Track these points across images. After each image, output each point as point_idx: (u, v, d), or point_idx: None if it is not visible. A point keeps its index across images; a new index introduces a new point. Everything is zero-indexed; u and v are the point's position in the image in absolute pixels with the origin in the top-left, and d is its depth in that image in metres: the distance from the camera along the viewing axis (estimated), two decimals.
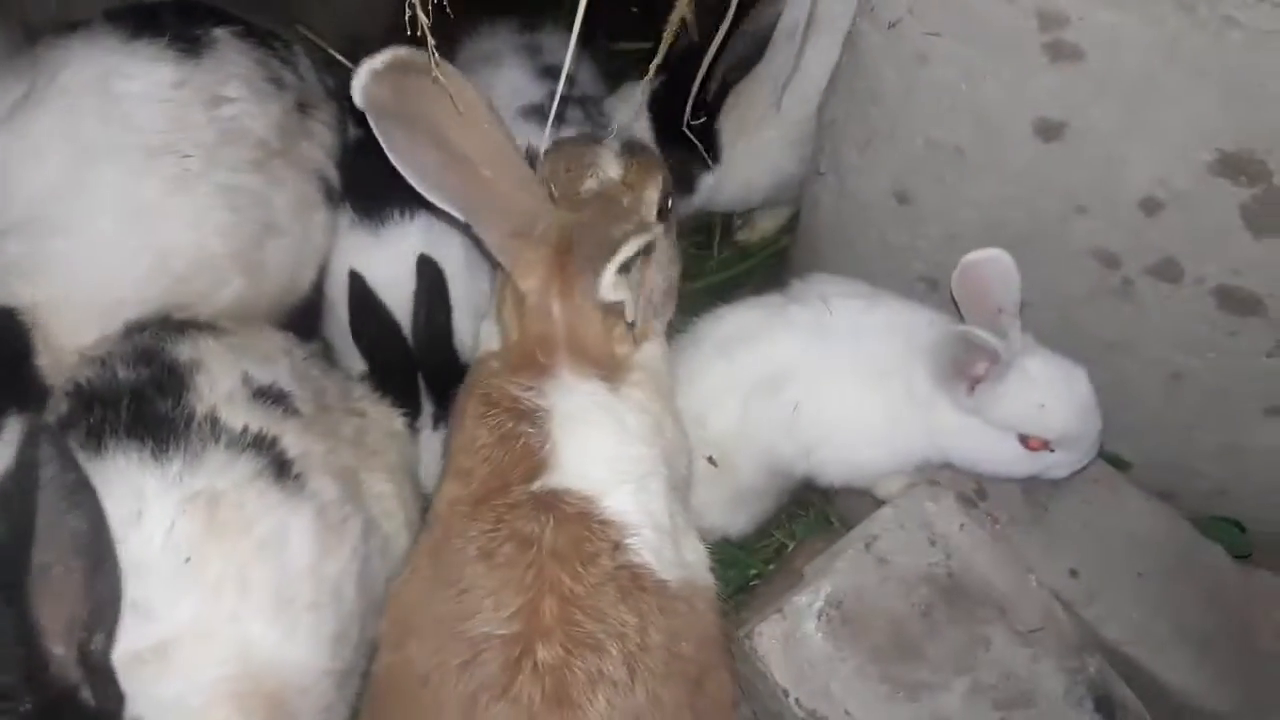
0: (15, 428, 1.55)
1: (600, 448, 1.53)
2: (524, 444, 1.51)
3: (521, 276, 1.59)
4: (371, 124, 1.56)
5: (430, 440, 2.05)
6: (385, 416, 1.97)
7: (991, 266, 1.72)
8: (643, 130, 2.43)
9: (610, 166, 1.72)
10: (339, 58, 2.42)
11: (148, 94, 1.75)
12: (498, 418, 1.54)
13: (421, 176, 1.59)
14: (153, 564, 1.34)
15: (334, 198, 2.08)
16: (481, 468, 1.51)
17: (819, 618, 1.71)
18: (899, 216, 2.04)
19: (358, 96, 1.54)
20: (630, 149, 1.78)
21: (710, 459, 1.91)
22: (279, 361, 1.76)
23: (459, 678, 1.37)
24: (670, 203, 1.77)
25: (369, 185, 2.08)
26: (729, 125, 2.47)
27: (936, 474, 1.93)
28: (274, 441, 1.55)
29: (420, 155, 1.58)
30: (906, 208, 2.02)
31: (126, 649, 1.23)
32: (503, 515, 1.46)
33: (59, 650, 1.03)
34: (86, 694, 1.06)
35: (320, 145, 2.05)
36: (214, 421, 1.51)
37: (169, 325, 1.72)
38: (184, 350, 1.64)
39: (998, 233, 1.90)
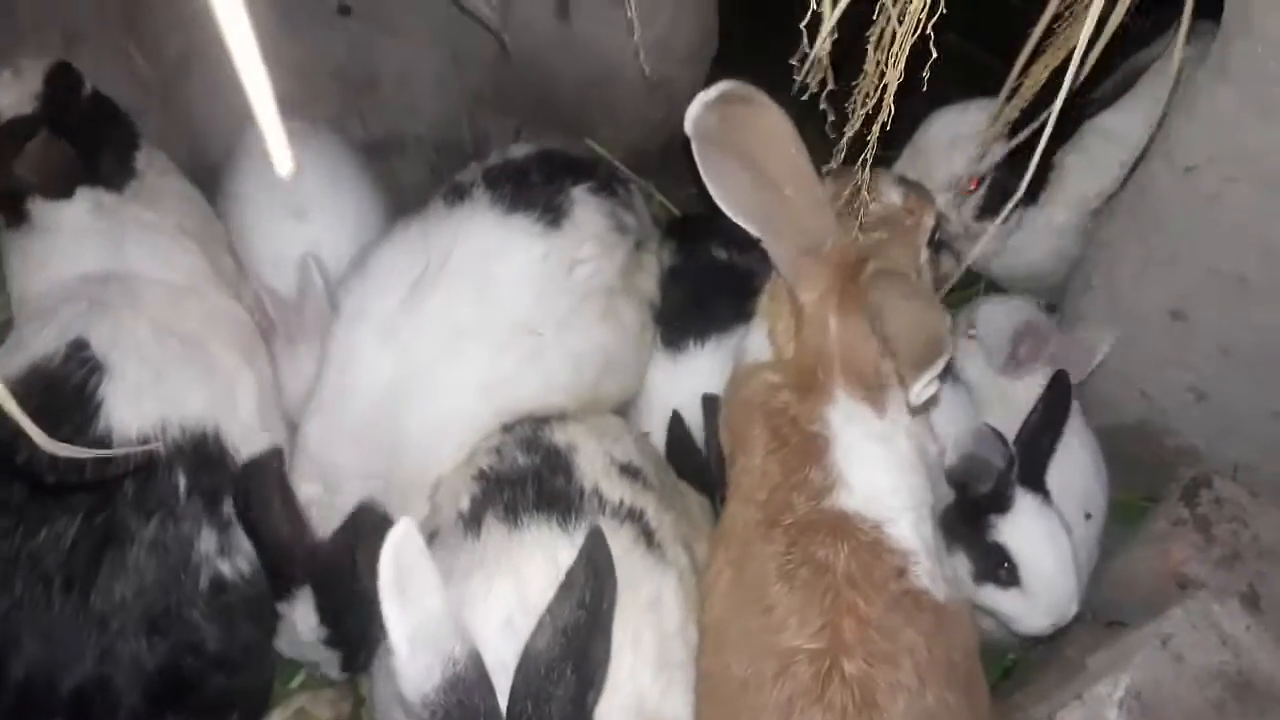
0: None
1: (882, 477, 1.72)
2: (812, 474, 1.70)
3: (804, 289, 1.77)
4: (694, 148, 1.72)
5: None
6: (696, 494, 2.14)
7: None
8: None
9: (891, 193, 1.88)
10: (627, 172, 2.73)
11: (519, 273, 1.97)
12: (786, 454, 1.73)
13: (729, 195, 1.74)
14: None
15: (656, 318, 2.31)
16: (775, 497, 1.71)
17: (1120, 706, 1.91)
18: (1172, 331, 2.20)
19: (689, 125, 1.70)
20: (904, 180, 1.95)
21: (1088, 514, 2.18)
22: (625, 440, 1.98)
23: (774, 685, 1.56)
24: (937, 234, 1.93)
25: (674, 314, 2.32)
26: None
27: (1214, 576, 2.10)
28: (641, 513, 1.76)
29: (732, 176, 1.74)
30: (1181, 324, 2.18)
31: None
32: (796, 538, 1.65)
33: None
34: None
35: (649, 274, 2.30)
36: (599, 495, 1.74)
37: (534, 419, 1.94)
38: (558, 436, 1.89)
39: (1276, 349, 2.06)
